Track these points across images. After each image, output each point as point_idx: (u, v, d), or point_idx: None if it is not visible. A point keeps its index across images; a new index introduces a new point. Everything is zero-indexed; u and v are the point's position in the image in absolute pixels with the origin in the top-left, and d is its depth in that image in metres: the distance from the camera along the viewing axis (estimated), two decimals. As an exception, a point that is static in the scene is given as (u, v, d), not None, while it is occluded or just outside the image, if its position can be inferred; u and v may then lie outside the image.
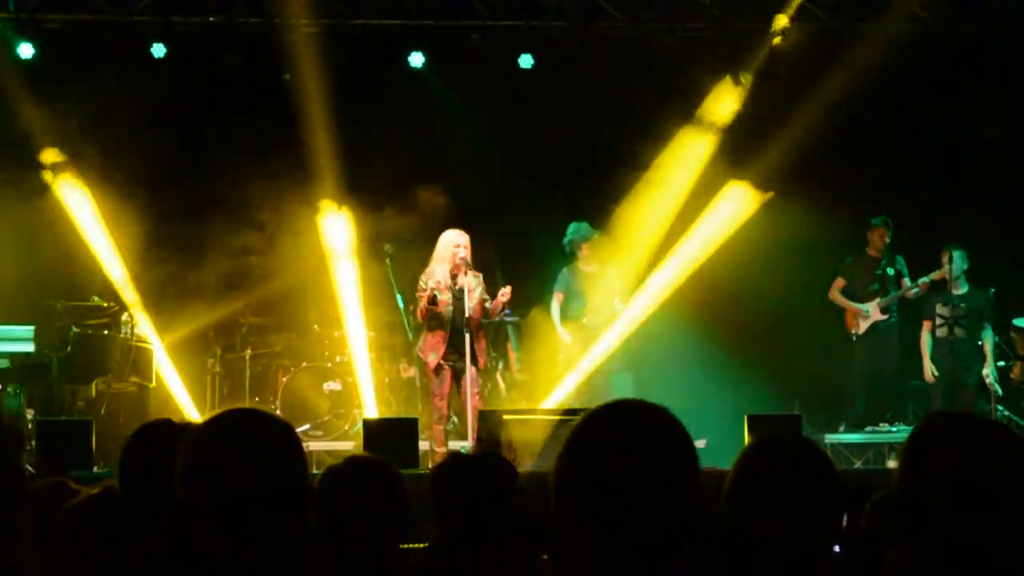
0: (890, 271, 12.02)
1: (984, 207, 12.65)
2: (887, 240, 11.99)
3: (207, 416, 2.52)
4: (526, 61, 12.80)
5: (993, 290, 11.67)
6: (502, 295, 10.20)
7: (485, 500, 3.41)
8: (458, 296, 10.13)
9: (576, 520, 2.16)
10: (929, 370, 11.63)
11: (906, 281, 11.98)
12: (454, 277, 10.16)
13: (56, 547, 3.01)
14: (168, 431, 3.36)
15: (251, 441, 2.42)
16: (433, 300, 10.04)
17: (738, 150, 12.24)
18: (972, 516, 2.34)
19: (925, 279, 11.80)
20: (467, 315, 10.02)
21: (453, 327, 10.16)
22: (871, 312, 11.99)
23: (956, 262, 11.48)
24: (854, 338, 12.09)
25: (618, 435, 2.19)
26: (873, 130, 12.80)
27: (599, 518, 2.14)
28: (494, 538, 3.34)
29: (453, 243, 10.25)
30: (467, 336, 9.99)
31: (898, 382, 12.21)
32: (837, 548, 3.77)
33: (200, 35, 12.46)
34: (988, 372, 11.43)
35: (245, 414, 2.52)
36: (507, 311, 10.65)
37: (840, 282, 12.20)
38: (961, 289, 11.60)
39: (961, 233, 11.95)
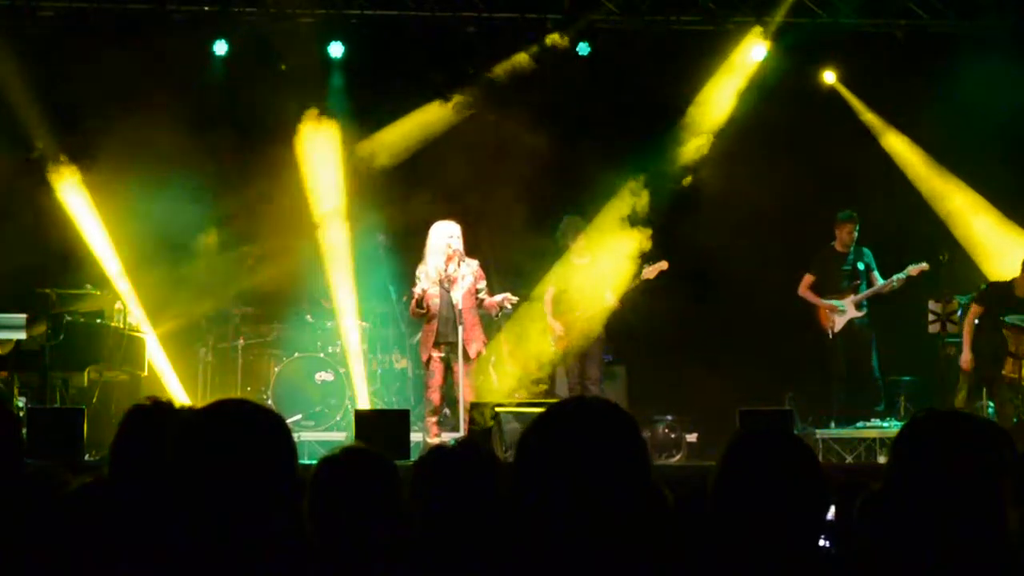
0: (860, 265, 11.93)
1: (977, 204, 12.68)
2: (855, 235, 11.95)
3: (197, 406, 2.52)
4: (521, 54, 12.79)
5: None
6: (505, 300, 10.20)
7: (467, 490, 3.41)
8: (445, 287, 10.14)
9: (532, 511, 2.19)
10: (968, 358, 11.32)
11: (875, 275, 11.91)
12: (447, 267, 10.17)
13: (50, 533, 3.01)
14: (159, 414, 3.36)
15: (240, 432, 2.43)
16: (420, 303, 10.12)
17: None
18: (961, 513, 2.35)
19: (901, 275, 11.72)
20: (457, 306, 10.02)
21: (442, 318, 10.17)
22: (846, 308, 11.91)
23: None
24: (831, 335, 12.01)
25: (569, 432, 2.22)
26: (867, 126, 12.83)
27: (553, 510, 2.17)
28: (478, 528, 3.34)
29: (445, 234, 10.25)
30: (458, 327, 9.99)
31: (879, 377, 12.14)
32: (827, 543, 3.79)
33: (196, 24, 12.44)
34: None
35: (234, 404, 2.52)
36: (508, 308, 10.61)
37: (809, 278, 12.05)
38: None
39: (954, 230, 11.97)
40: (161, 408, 3.44)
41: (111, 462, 3.40)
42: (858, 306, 11.86)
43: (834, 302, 11.86)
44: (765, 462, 2.71)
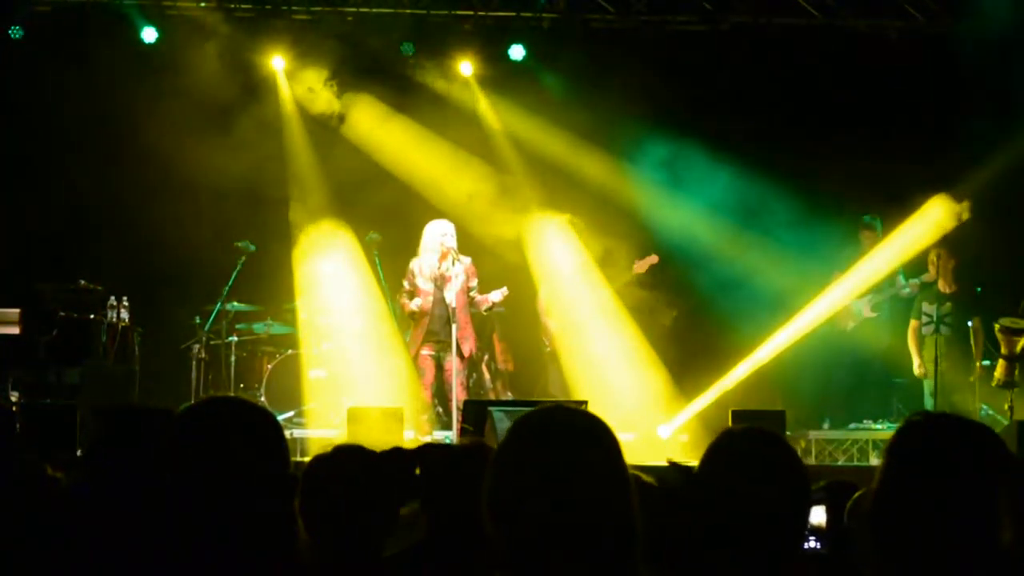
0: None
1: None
2: (878, 239, 12.01)
3: (189, 404, 2.51)
4: (517, 52, 12.76)
5: (979, 289, 11.66)
6: (498, 295, 10.22)
7: (469, 489, 3.42)
8: (439, 285, 10.15)
9: (506, 525, 2.20)
10: (916, 365, 11.58)
11: (899, 279, 11.97)
12: (441, 265, 10.18)
13: (43, 529, 3.01)
14: (133, 419, 3.33)
15: (231, 429, 2.42)
16: (411, 300, 10.13)
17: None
18: (954, 516, 2.35)
19: (916, 279, 11.79)
20: (450, 305, 10.03)
21: (435, 316, 10.18)
22: (862, 309, 11.97)
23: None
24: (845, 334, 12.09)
25: (548, 445, 2.23)
26: (865, 126, 12.82)
27: (529, 525, 2.17)
28: (480, 526, 3.35)
29: (439, 232, 10.27)
30: (452, 325, 10.00)
31: (883, 379, 12.19)
32: (817, 545, 3.79)
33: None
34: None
35: (225, 402, 2.52)
36: (499, 300, 10.61)
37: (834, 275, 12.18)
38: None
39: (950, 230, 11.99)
40: (134, 412, 3.40)
41: (89, 464, 3.37)
42: (875, 307, 11.96)
43: (852, 303, 11.92)
44: (744, 460, 2.73)
